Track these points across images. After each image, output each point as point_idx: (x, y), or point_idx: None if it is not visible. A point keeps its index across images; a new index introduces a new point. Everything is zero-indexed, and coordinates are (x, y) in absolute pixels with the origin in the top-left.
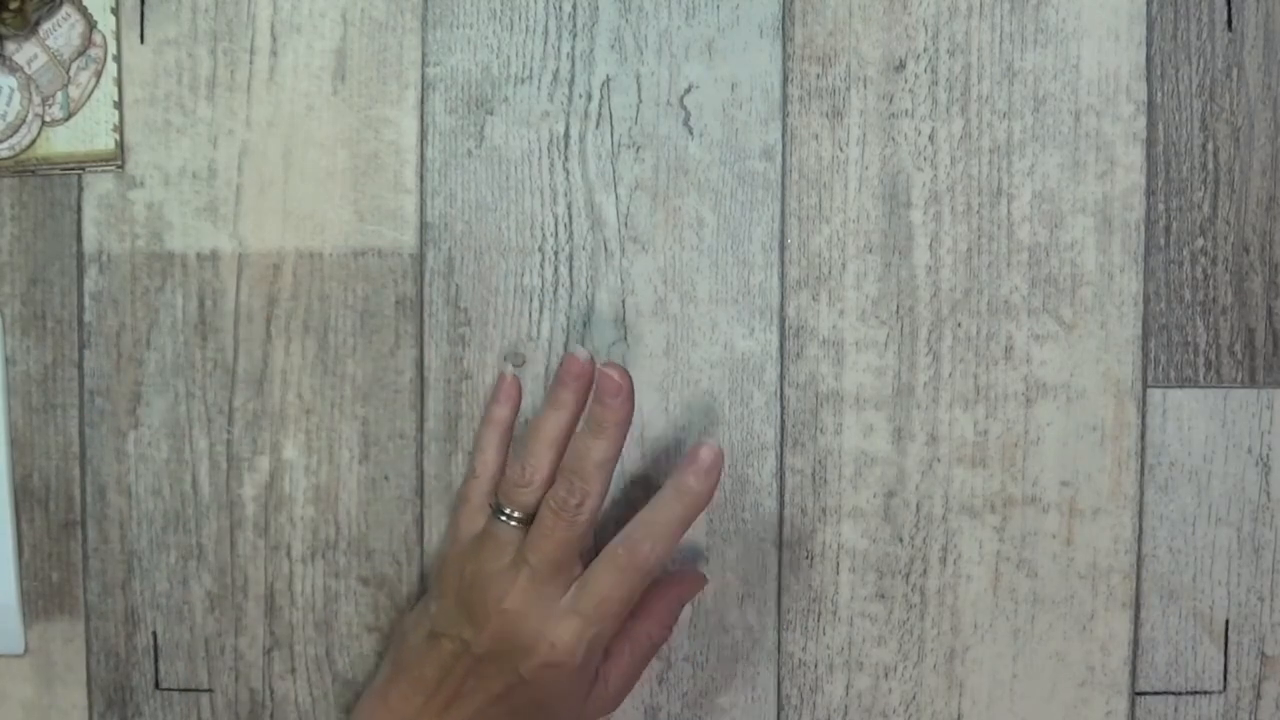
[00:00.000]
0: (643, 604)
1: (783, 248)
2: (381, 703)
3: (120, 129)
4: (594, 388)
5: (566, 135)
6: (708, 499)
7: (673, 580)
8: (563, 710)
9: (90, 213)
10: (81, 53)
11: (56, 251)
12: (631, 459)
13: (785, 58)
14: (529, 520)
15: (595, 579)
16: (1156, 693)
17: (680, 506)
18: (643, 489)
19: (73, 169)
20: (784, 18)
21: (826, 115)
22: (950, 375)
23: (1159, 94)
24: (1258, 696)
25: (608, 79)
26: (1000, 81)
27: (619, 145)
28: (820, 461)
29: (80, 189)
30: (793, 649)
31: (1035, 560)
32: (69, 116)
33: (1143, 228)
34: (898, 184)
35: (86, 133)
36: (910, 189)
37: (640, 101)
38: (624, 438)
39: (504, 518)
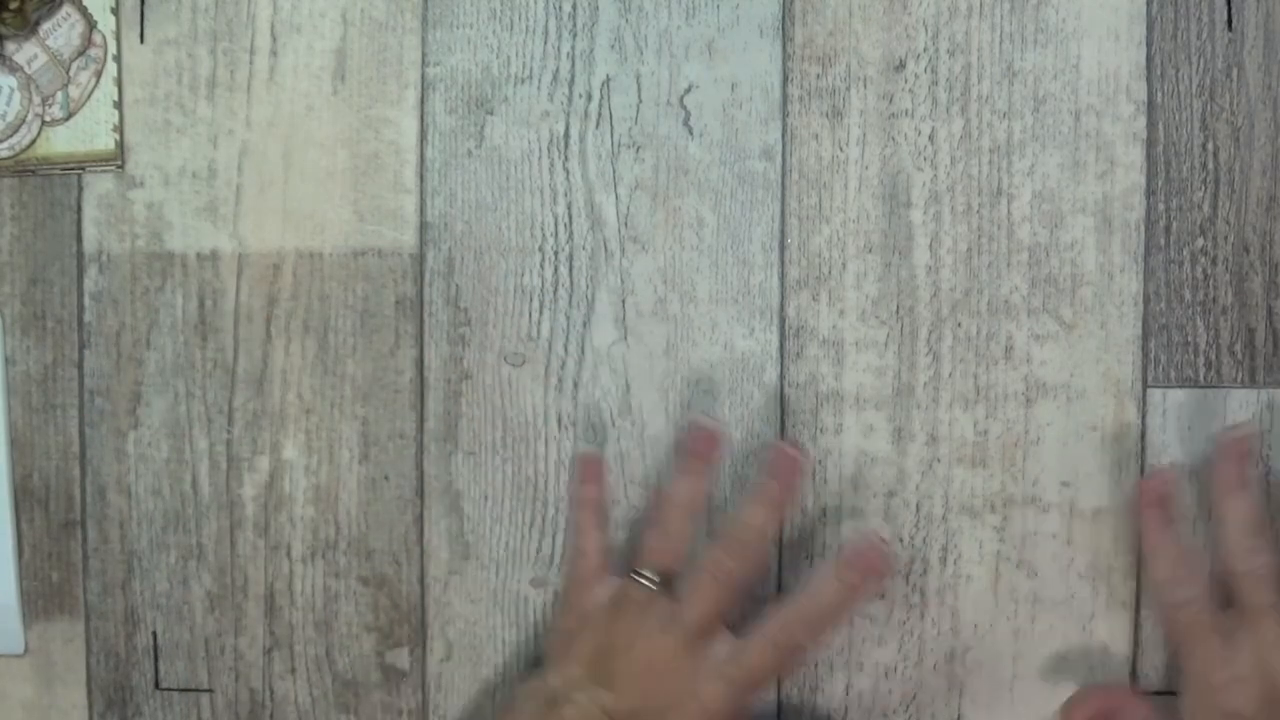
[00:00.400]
0: None
1: (783, 248)
2: None
3: (120, 129)
4: (770, 462)
5: (566, 135)
6: (866, 597)
7: None
8: None
9: (90, 213)
10: (81, 53)
11: (56, 251)
12: (632, 459)
13: (785, 58)
14: (667, 583)
15: (749, 651)
16: (1156, 693)
17: (838, 598)
18: (642, 489)
19: (73, 169)
20: (784, 18)
21: (826, 115)
22: (950, 375)
23: (1159, 94)
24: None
25: (608, 79)
26: (1000, 81)
27: (619, 145)
28: (820, 461)
29: (80, 189)
30: None
31: (1035, 560)
32: (69, 116)
33: (1143, 228)
34: (898, 184)
35: (86, 133)
36: (910, 189)
37: (640, 101)
38: (788, 512)
39: (643, 581)
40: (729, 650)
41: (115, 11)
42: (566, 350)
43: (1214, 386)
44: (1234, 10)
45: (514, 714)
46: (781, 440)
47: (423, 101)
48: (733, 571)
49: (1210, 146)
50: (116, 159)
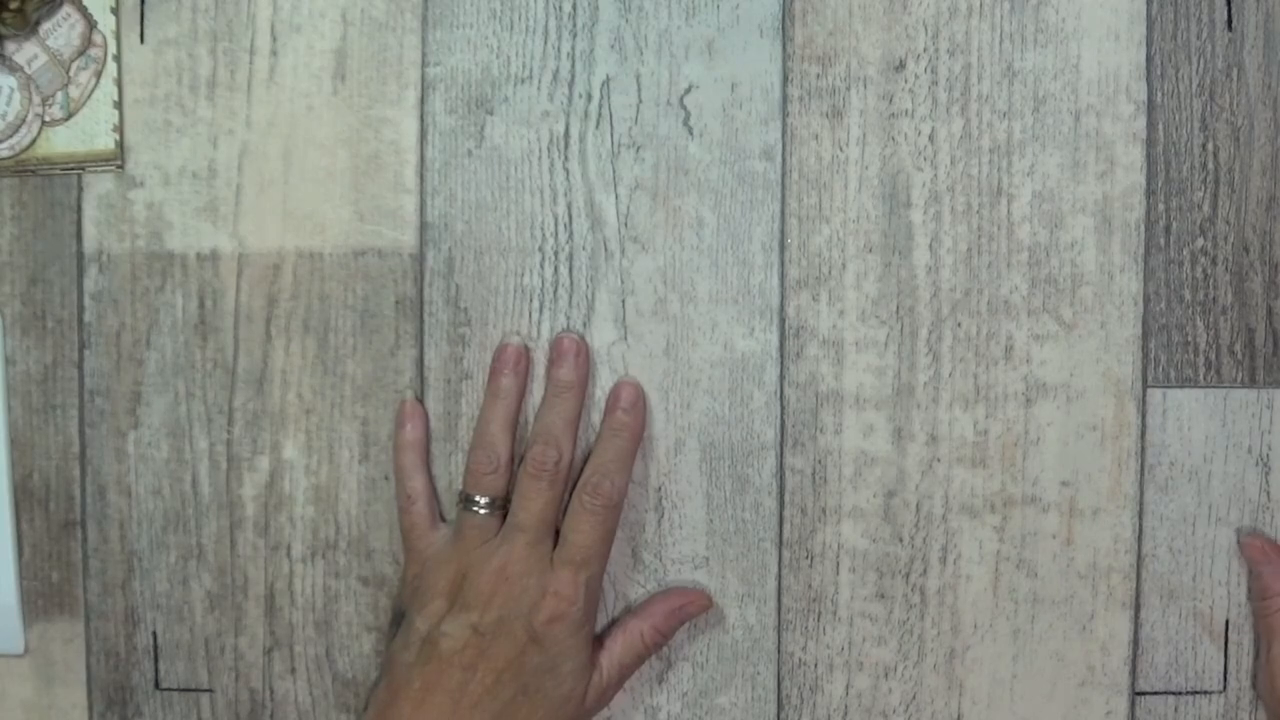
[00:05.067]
0: (643, 606)
1: (783, 248)
2: None
3: (120, 129)
4: (551, 355)
5: (566, 135)
6: (641, 428)
7: (678, 591)
8: (569, 676)
9: (90, 213)
10: (81, 53)
11: (56, 251)
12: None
13: (785, 58)
14: (500, 505)
15: (572, 528)
16: (1156, 693)
17: (620, 441)
18: (643, 489)
19: (73, 169)
20: (784, 18)
21: (826, 115)
22: (950, 375)
23: (1159, 94)
24: (1258, 696)
25: (608, 79)
26: (1000, 81)
27: (619, 145)
28: (820, 461)
29: (80, 189)
30: (793, 649)
31: (1035, 560)
32: (69, 116)
33: (1143, 228)
34: (898, 184)
35: (86, 133)
36: (910, 189)
37: (640, 101)
38: (585, 396)
39: (476, 509)
40: (561, 536)
41: (115, 11)
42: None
43: (1214, 386)
44: (1234, 10)
45: (395, 669)
46: (560, 334)
47: (423, 101)
48: (555, 465)
49: (1210, 146)
50: (116, 159)
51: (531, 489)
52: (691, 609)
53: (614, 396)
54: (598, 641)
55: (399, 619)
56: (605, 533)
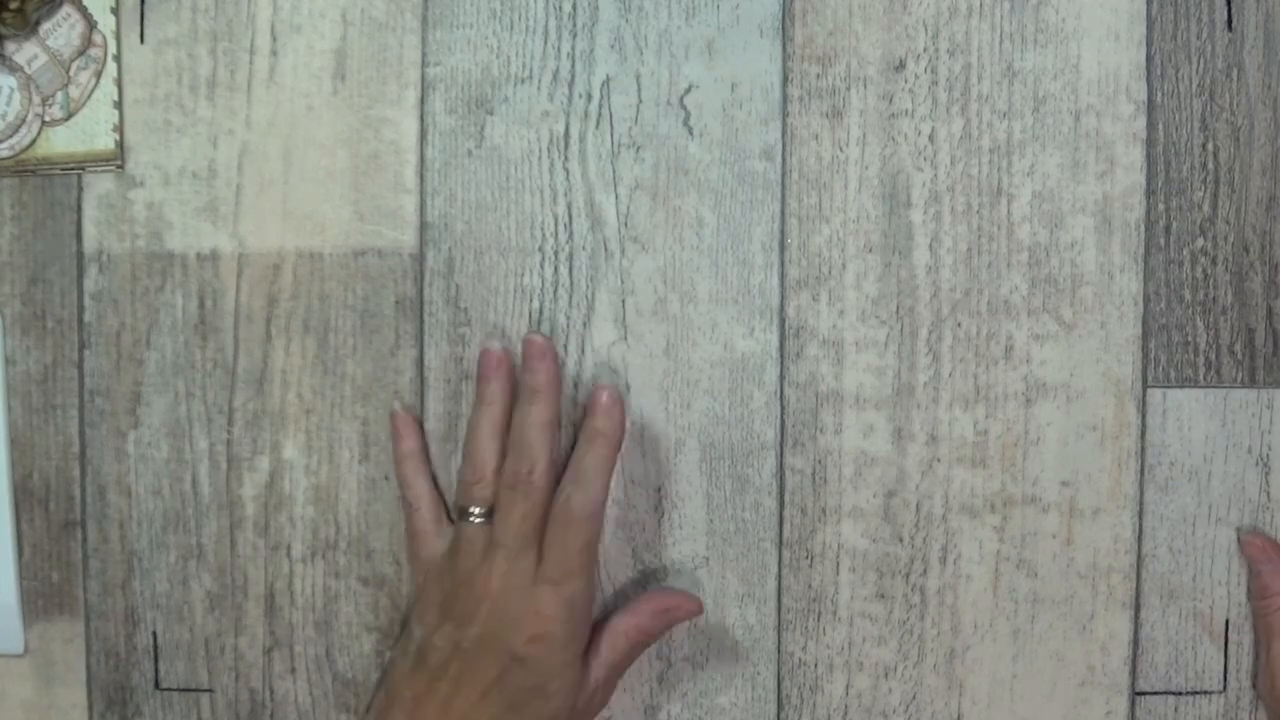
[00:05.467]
0: (632, 604)
1: (783, 248)
2: None
3: (120, 129)
4: (524, 357)
5: (566, 135)
6: (620, 435)
7: (668, 593)
8: (557, 694)
9: (90, 213)
10: (81, 53)
11: (56, 251)
12: (632, 460)
13: (785, 58)
14: (493, 513)
15: (550, 543)
16: (1156, 693)
17: (598, 448)
18: (643, 490)
19: (73, 169)
20: (784, 18)
21: (826, 115)
22: (950, 375)
23: (1159, 94)
24: (1258, 696)
25: (608, 79)
26: (1000, 81)
27: (619, 145)
28: (820, 461)
29: (80, 189)
30: (793, 649)
31: (1035, 560)
32: (69, 116)
33: (1143, 228)
34: (898, 184)
35: (86, 133)
36: (910, 189)
37: (640, 101)
38: (558, 398)
39: (470, 519)
40: (542, 551)
41: (115, 11)
42: (566, 350)
43: (1214, 386)
44: (1234, 10)
45: (393, 676)
46: (529, 333)
47: (423, 101)
48: (529, 475)
49: (1210, 146)
50: (116, 159)
51: (507, 501)
52: (678, 613)
53: (591, 402)
54: (588, 645)
55: (406, 624)
56: (584, 544)
